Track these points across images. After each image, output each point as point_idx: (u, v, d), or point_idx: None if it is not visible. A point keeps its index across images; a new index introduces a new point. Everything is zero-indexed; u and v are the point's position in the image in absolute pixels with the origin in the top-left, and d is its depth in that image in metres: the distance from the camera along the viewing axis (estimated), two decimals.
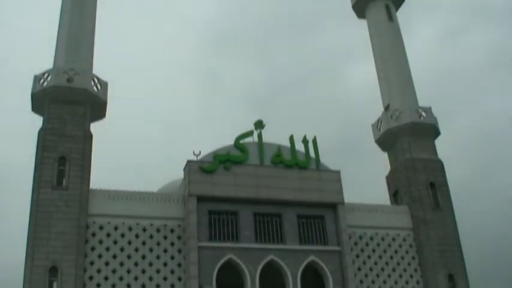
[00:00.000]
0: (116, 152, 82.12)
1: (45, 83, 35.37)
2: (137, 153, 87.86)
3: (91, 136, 34.92)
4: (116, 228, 33.12)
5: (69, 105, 35.00)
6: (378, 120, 44.06)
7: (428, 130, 42.65)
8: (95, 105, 36.09)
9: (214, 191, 34.32)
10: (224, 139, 36.84)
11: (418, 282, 37.60)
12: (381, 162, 46.47)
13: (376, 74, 46.63)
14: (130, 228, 33.33)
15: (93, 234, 32.61)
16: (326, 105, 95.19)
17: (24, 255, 31.32)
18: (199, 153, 35.24)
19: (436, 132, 43.19)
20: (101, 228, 32.91)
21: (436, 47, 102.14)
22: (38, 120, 35.92)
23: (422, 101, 44.13)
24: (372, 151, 47.53)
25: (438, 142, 43.47)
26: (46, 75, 35.67)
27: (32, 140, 34.54)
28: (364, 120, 48.85)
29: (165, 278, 32.58)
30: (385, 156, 44.49)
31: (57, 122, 34.45)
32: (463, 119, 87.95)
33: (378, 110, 45.16)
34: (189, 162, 34.84)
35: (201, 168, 34.54)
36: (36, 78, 35.75)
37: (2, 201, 75.91)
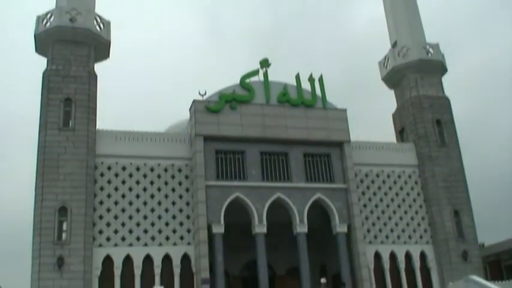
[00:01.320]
0: (122, 93, 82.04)
1: (48, 24, 34.92)
2: (143, 94, 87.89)
3: (96, 77, 34.73)
4: (123, 169, 33.38)
5: (72, 45, 34.67)
6: (385, 58, 43.60)
7: (435, 67, 42.25)
8: (98, 45, 35.74)
9: (220, 131, 34.35)
10: (230, 79, 36.66)
11: (423, 218, 38.07)
12: (387, 100, 46.33)
13: (383, 10, 45.82)
14: (138, 169, 33.59)
15: (102, 175, 32.91)
16: (332, 43, 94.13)
17: (34, 196, 31.75)
18: (205, 93, 35.11)
19: (443, 69, 42.80)
20: (109, 168, 33.17)
21: None
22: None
23: (429, 37, 43.57)
24: (378, 89, 47.30)
25: (445, 79, 43.20)
26: (49, 15, 35.18)
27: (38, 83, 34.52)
28: (370, 58, 48.41)
29: (173, 217, 33.06)
30: (391, 93, 44.27)
31: (62, 63, 34.20)
32: (470, 57, 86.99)
33: (385, 47, 44.68)
34: (194, 102, 34.74)
35: (207, 108, 34.46)
36: (39, 19, 35.28)
37: (9, 146, 76.63)
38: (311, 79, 37.36)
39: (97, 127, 33.68)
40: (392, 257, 36.43)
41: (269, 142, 35.29)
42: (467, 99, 75.79)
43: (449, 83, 44.36)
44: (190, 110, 35.30)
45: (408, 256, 36.80)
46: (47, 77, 33.90)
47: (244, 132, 34.74)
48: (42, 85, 33.95)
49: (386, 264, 36.03)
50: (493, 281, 33.58)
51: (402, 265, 36.38)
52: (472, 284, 31.88)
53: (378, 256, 36.07)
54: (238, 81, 35.91)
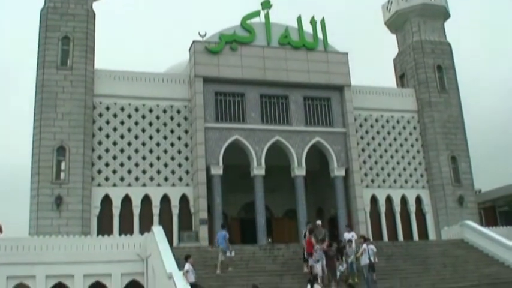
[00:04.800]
0: (121, 33, 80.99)
1: None
2: (143, 35, 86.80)
3: (94, 15, 34.09)
4: (122, 109, 33.20)
5: None
6: (388, 1, 42.90)
7: (438, 12, 41.65)
8: None
9: (220, 72, 34.00)
10: (231, 20, 36.03)
11: (420, 164, 38.24)
12: (389, 45, 45.80)
13: None
14: (136, 109, 33.40)
15: (100, 115, 32.76)
16: None
17: (32, 136, 31.71)
18: (205, 34, 34.56)
19: (446, 14, 42.19)
20: (108, 108, 32.99)
21: None
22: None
23: None
24: (381, 33, 46.68)
25: (447, 25, 42.61)
26: None
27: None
28: (374, 1, 47.56)
29: (172, 158, 33.11)
30: (393, 38, 43.73)
31: (59, 1, 33.50)
32: (474, 3, 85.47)
33: None
34: (194, 42, 34.25)
35: (207, 49, 34.01)
36: None
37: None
38: (313, 21, 36.74)
39: (95, 67, 33.32)
40: (389, 200, 36.79)
41: (269, 85, 35.01)
42: (469, 46, 74.98)
43: (452, 29, 43.82)
44: (190, 50, 34.84)
45: (404, 200, 37.14)
46: (44, 14, 33.28)
47: (244, 74, 34.40)
48: (40, 23, 33.38)
49: (383, 208, 36.41)
50: (488, 227, 34.03)
51: (398, 209, 36.76)
52: (466, 229, 32.38)
53: (374, 199, 36.41)
54: (239, 22, 35.32)
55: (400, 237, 36.11)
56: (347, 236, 25.71)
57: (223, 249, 24.91)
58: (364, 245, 24.08)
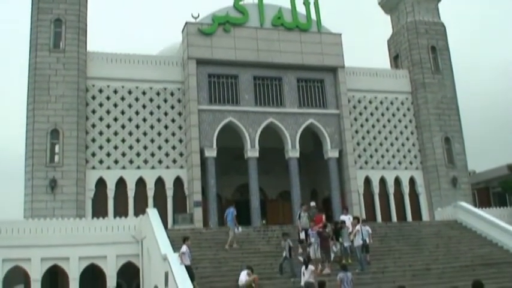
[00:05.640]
0: (114, 15, 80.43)
1: None
2: (136, 17, 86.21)
3: None
4: (115, 92, 33.09)
5: None
6: None
7: None
8: None
9: (213, 54, 33.88)
10: (223, 1, 35.77)
11: (414, 145, 38.35)
12: (383, 26, 45.67)
13: None
14: (130, 92, 33.30)
15: (93, 97, 32.66)
16: None
17: (25, 119, 31.59)
18: (198, 15, 34.44)
19: None
20: (101, 91, 32.88)
21: None
22: None
23: None
24: (374, 14, 46.54)
25: (442, 5, 42.46)
26: None
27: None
28: None
29: (166, 140, 33.09)
30: (387, 19, 43.60)
31: None
32: None
33: None
34: (187, 24, 34.07)
35: (200, 31, 33.84)
36: None
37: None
38: (306, 2, 36.56)
39: (88, 49, 33.13)
40: (382, 182, 36.96)
41: (263, 66, 34.92)
42: (464, 27, 74.87)
43: (446, 10, 43.71)
44: (182, 32, 34.66)
45: (398, 181, 37.32)
46: None
47: (237, 56, 34.29)
48: (32, 5, 33.15)
49: (376, 189, 36.59)
50: (481, 208, 34.20)
51: (391, 190, 36.95)
52: (460, 210, 32.50)
53: (367, 181, 36.57)
54: (231, 3, 35.12)
55: (394, 218, 36.34)
56: (344, 218, 25.83)
57: (230, 226, 25.41)
58: (358, 226, 24.24)
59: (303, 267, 19.56)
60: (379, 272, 23.54)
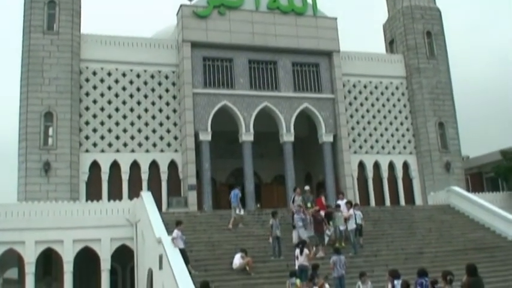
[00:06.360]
0: None
1: None
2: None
3: None
4: (109, 74, 32.92)
5: None
6: None
7: None
8: None
9: (208, 37, 33.70)
10: None
11: (408, 130, 38.41)
12: (379, 10, 45.53)
13: None
14: (124, 74, 33.14)
15: (87, 80, 32.48)
16: None
17: (19, 102, 31.43)
18: None
19: None
20: (94, 73, 32.70)
21: None
22: None
23: None
24: None
25: None
26: None
27: None
28: None
29: (160, 124, 33.01)
30: (383, 3, 43.46)
31: None
32: None
33: None
34: (182, 6, 33.84)
35: (195, 13, 33.62)
36: None
37: None
38: None
39: (82, 31, 32.92)
40: (376, 166, 37.05)
41: (258, 50, 34.78)
42: (459, 12, 74.69)
43: None
44: (177, 15, 34.45)
45: (391, 166, 37.42)
46: None
47: (232, 39, 34.12)
48: None
49: (370, 173, 36.69)
50: (474, 192, 34.42)
51: (385, 174, 37.06)
52: (453, 194, 32.73)
53: (362, 165, 36.66)
54: None
55: (387, 202, 36.50)
56: (340, 203, 25.93)
57: (234, 207, 25.83)
58: (351, 210, 24.41)
59: (297, 251, 19.65)
60: (372, 256, 23.73)
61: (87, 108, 32.05)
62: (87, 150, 31.53)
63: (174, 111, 33.40)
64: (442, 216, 30.69)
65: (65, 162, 30.38)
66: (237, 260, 20.97)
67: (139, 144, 32.42)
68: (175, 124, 33.21)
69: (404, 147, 38.02)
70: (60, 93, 31.19)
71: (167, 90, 33.62)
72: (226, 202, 35.51)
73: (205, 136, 32.71)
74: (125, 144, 32.19)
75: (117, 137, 32.12)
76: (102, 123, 32.07)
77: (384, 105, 38.26)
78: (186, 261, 19.36)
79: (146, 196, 25.67)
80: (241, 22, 34.47)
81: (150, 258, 22.49)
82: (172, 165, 32.77)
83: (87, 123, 31.86)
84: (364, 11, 71.14)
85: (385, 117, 38.04)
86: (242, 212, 26.17)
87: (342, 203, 25.69)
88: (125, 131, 32.33)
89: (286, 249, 22.64)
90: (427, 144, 37.68)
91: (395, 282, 14.92)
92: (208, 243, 23.81)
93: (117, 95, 32.68)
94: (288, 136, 34.27)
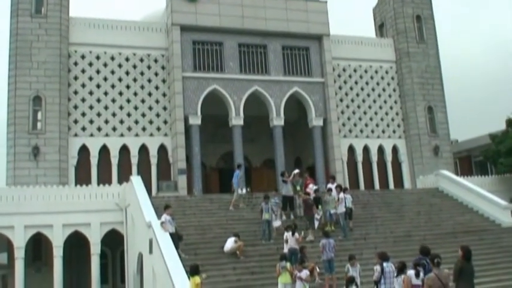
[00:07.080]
0: None
1: None
2: None
3: None
4: (97, 58, 32.67)
5: None
6: None
7: None
8: None
9: (198, 21, 33.47)
10: None
11: (397, 114, 38.50)
12: None
13: None
14: (112, 58, 32.91)
15: (75, 64, 32.23)
16: None
17: (7, 86, 31.17)
18: None
19: None
20: (83, 57, 32.45)
21: None
22: None
23: None
24: None
25: None
26: None
27: None
28: None
29: (150, 108, 32.87)
30: None
31: None
32: None
33: None
34: None
35: None
36: None
37: None
38: None
39: (70, 14, 32.61)
40: (366, 150, 37.14)
41: (248, 34, 34.62)
42: None
43: None
44: None
45: (381, 150, 37.54)
46: None
47: (222, 23, 33.93)
48: None
49: (360, 157, 36.79)
50: (463, 176, 34.66)
51: (375, 158, 37.18)
52: (441, 178, 32.95)
53: (351, 149, 36.76)
54: None
55: (377, 185, 36.68)
56: (331, 186, 26.03)
57: (235, 188, 26.39)
58: (341, 194, 24.53)
59: (287, 234, 19.73)
60: (361, 239, 23.92)
61: (75, 92, 31.85)
62: (76, 135, 31.37)
63: (164, 95, 33.26)
64: (431, 199, 30.91)
65: (53, 146, 30.24)
66: (230, 243, 21.07)
67: (129, 128, 32.29)
68: (164, 108, 33.09)
69: (394, 131, 38.14)
70: (48, 77, 30.95)
71: (156, 74, 33.45)
72: (216, 186, 35.81)
73: (195, 120, 32.62)
74: (114, 129, 32.05)
75: (106, 121, 31.97)
76: (91, 107, 31.89)
77: (373, 89, 38.30)
78: (176, 245, 19.40)
79: (136, 180, 25.61)
80: (231, 5, 34.26)
81: (140, 243, 22.53)
82: (162, 149, 32.70)
83: (75, 107, 31.68)
84: None
85: (374, 101, 38.11)
86: (244, 192, 26.93)
87: (332, 186, 25.79)
88: (114, 115, 32.18)
89: (275, 232, 22.75)
90: (416, 128, 37.81)
91: (385, 264, 15.05)
92: (198, 227, 23.88)
93: (105, 79, 32.48)
94: (278, 120, 34.26)
